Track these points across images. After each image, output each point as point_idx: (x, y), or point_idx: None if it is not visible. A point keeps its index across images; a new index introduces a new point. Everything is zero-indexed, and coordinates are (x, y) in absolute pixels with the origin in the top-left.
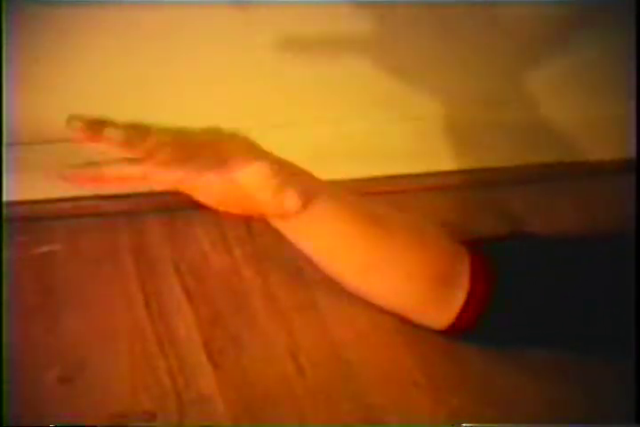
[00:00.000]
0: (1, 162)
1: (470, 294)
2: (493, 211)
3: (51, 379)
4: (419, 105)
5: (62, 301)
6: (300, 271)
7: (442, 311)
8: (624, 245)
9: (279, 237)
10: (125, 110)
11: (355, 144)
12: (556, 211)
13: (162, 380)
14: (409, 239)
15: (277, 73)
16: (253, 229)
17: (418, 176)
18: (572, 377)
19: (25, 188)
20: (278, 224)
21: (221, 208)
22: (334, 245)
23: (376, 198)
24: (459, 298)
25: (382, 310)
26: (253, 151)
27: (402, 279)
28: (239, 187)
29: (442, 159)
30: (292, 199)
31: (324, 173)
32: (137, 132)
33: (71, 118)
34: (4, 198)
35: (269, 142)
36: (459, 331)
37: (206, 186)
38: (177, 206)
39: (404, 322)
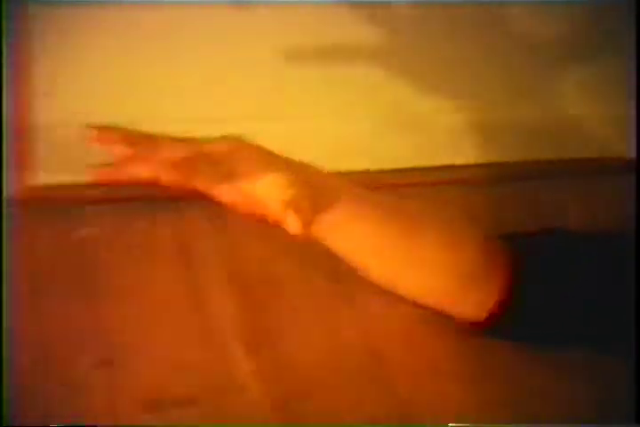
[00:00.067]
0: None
1: (502, 291)
2: (524, 206)
3: (87, 364)
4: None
5: (101, 286)
6: (338, 262)
7: (473, 307)
8: None
9: None
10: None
11: (381, 136)
12: (588, 207)
13: (199, 367)
14: (440, 236)
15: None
16: None
17: (447, 168)
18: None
19: (64, 171)
20: None
21: (237, 212)
22: (361, 246)
23: (406, 192)
24: (491, 294)
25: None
26: (268, 161)
27: (433, 276)
28: (254, 197)
29: (471, 153)
30: (294, 222)
31: (350, 165)
32: (152, 142)
33: (88, 126)
34: (38, 182)
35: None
36: (489, 326)
37: (221, 195)
38: None
39: (436, 314)
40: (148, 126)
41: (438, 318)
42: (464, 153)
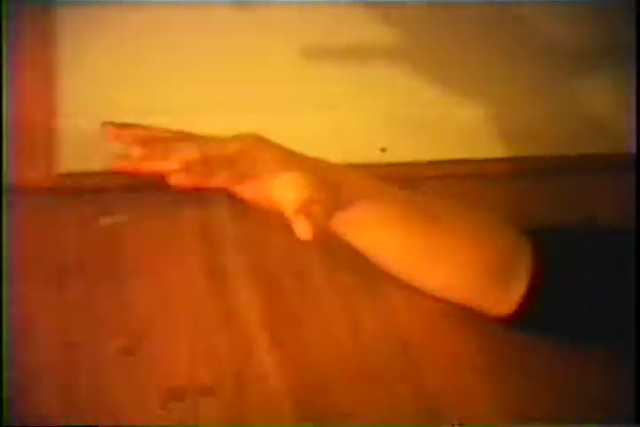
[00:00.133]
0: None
1: (530, 286)
2: (556, 200)
3: (113, 350)
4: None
5: (127, 273)
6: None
7: (500, 303)
8: None
9: None
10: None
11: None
12: (614, 202)
13: (222, 355)
14: (466, 233)
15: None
16: None
17: (478, 162)
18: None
19: (92, 159)
20: None
21: (257, 208)
22: (382, 243)
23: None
24: (518, 290)
25: None
26: (284, 160)
27: (459, 273)
28: (271, 196)
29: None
30: (304, 229)
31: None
32: (167, 143)
33: (104, 124)
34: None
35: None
36: (516, 321)
37: (241, 192)
38: None
39: (460, 308)
40: (162, 115)
41: (463, 311)
42: (483, 147)
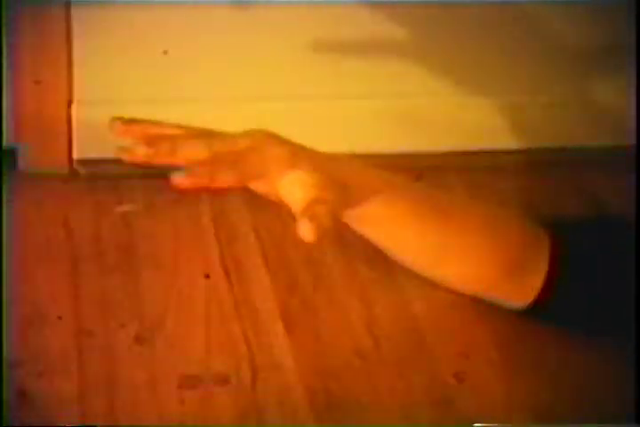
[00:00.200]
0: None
1: (548, 278)
2: (574, 192)
3: (128, 338)
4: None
5: (141, 260)
6: None
7: (517, 295)
8: None
9: None
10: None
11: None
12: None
13: (236, 344)
14: (483, 225)
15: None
16: None
17: (488, 153)
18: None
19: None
20: None
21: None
22: (398, 238)
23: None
24: (536, 282)
25: None
26: (293, 158)
27: (473, 267)
28: (280, 193)
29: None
30: (307, 231)
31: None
32: (173, 142)
33: (112, 120)
34: (83, 156)
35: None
36: (533, 312)
37: (251, 187)
38: None
39: (476, 299)
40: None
41: (478, 303)
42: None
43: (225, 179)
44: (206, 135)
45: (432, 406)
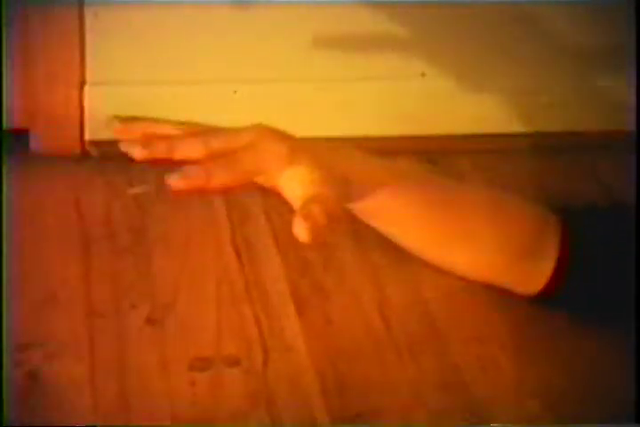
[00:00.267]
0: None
1: (559, 264)
2: (583, 176)
3: (139, 319)
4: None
5: (153, 242)
6: None
7: (527, 282)
8: None
9: None
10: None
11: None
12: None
13: (247, 326)
14: (492, 212)
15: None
16: None
17: (508, 136)
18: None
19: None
20: None
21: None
22: (406, 228)
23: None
24: (546, 268)
25: None
26: (293, 153)
27: (486, 252)
28: (280, 189)
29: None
30: (302, 231)
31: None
32: (170, 143)
33: (111, 119)
34: (98, 137)
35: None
36: (544, 298)
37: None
38: None
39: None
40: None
41: (490, 289)
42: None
43: (221, 179)
44: (205, 133)
45: (443, 390)
